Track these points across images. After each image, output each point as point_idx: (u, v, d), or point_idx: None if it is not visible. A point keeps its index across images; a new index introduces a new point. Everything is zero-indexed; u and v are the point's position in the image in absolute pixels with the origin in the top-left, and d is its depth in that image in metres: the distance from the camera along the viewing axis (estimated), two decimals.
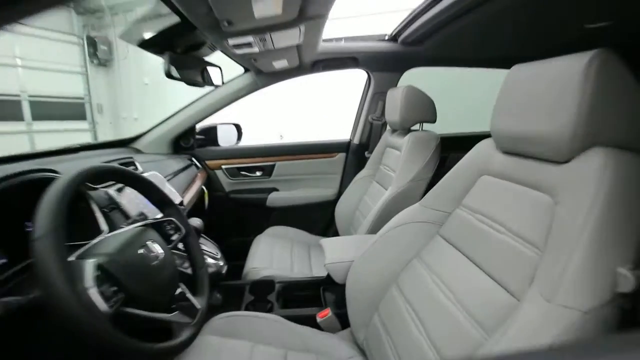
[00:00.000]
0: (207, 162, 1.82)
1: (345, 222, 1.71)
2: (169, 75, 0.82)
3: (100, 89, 6.04)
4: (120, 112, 6.21)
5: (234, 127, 2.02)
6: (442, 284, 0.72)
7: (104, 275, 0.52)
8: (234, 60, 1.36)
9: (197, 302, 0.70)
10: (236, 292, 1.20)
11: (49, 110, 5.10)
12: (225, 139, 1.95)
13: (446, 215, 0.83)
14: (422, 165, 1.29)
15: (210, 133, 1.90)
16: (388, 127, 1.72)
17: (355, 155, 1.86)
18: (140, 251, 0.60)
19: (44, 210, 0.46)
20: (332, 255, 1.07)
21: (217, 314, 0.98)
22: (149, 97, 5.68)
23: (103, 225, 0.78)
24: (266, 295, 1.15)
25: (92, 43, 5.62)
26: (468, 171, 0.81)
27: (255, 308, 1.13)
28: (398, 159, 1.37)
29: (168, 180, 1.25)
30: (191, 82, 0.89)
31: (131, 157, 1.13)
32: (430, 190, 0.89)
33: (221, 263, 1.12)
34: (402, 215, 0.92)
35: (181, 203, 1.16)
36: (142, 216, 0.81)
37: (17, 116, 4.62)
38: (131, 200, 0.94)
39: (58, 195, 0.49)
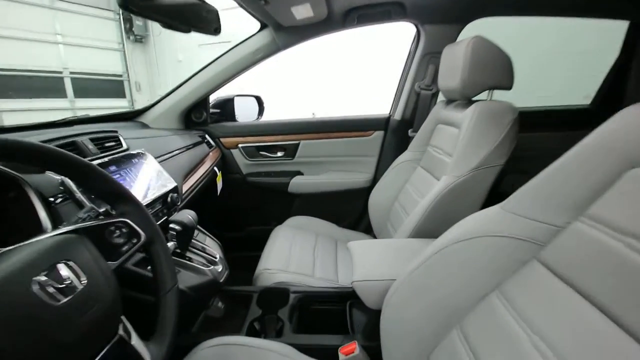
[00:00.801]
0: (222, 140, 1.58)
1: (382, 216, 1.40)
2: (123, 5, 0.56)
3: (137, 66, 6.08)
4: (156, 90, 6.26)
5: (254, 100, 1.75)
6: (542, 341, 0.42)
7: None
8: (242, 7, 1.06)
9: (147, 354, 0.45)
10: (242, 301, 0.97)
11: (89, 87, 5.21)
12: (244, 113, 1.69)
13: (553, 231, 0.50)
14: (492, 147, 0.94)
15: (227, 106, 1.65)
16: (440, 99, 1.35)
17: (395, 134, 1.51)
18: (36, 285, 0.36)
19: None
20: (363, 269, 0.78)
21: (208, 337, 0.75)
22: (183, 75, 5.62)
23: (45, 222, 0.55)
24: (277, 310, 0.91)
25: (127, 19, 5.61)
26: (601, 160, 0.46)
27: (262, 327, 0.89)
28: (455, 139, 1.02)
29: (163, 160, 1.02)
30: (159, 18, 0.63)
31: (115, 131, 0.91)
32: (521, 189, 0.56)
33: (219, 268, 0.89)
34: (472, 223, 0.60)
35: (175, 189, 0.93)
36: (89, 214, 0.57)
37: (60, 93, 4.76)
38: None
39: None
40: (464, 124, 0.99)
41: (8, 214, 0.54)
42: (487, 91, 1.03)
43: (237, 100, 1.65)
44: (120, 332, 0.44)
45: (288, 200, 1.65)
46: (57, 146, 0.70)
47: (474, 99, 1.06)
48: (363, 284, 0.75)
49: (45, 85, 4.62)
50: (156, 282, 0.54)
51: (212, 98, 1.64)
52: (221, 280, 0.86)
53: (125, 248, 0.51)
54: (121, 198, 0.54)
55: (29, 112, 4.38)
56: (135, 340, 0.45)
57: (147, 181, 0.85)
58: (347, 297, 0.96)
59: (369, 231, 1.57)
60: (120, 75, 5.85)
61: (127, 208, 0.54)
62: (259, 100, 1.76)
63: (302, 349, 0.76)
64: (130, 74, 5.99)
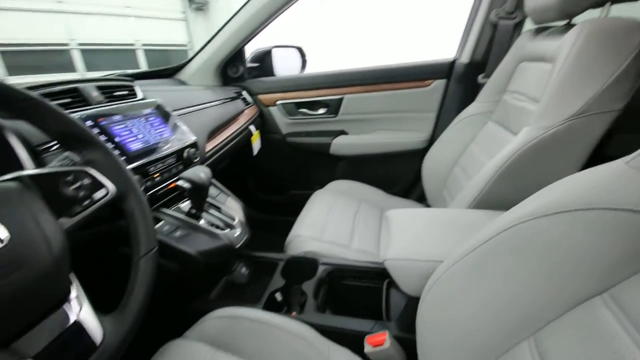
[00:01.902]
0: (260, 97, 1.46)
1: (438, 182, 1.18)
2: None
3: (199, 34, 6.26)
4: None
5: (295, 52, 1.58)
6: None
7: None
8: None
9: (98, 331, 0.36)
10: (268, 267, 0.88)
11: (159, 58, 5.54)
12: (284, 67, 1.54)
13: None
14: (605, 84, 0.64)
15: (265, 60, 1.51)
16: (526, 29, 1.02)
17: (461, 81, 1.22)
18: None
19: None
20: (400, 245, 0.61)
21: (223, 305, 0.68)
22: None
23: (27, 162, 0.49)
24: (302, 282, 0.79)
25: None
26: None
27: (284, 299, 0.79)
28: (546, 78, 0.74)
29: (184, 114, 0.93)
30: None
31: (131, 81, 0.84)
32: None
33: (236, 232, 0.79)
34: (569, 190, 0.38)
35: (194, 145, 0.84)
36: (62, 163, 0.49)
37: (133, 65, 5.15)
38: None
39: None
40: (562, 54, 0.70)
41: None
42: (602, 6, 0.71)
43: (275, 53, 1.50)
44: (66, 302, 0.35)
45: (331, 162, 1.50)
46: (55, 92, 0.64)
47: (575, 21, 0.75)
48: (399, 263, 0.58)
49: (121, 58, 5.03)
50: (130, 243, 0.45)
51: (251, 51, 1.52)
52: (238, 246, 0.76)
53: (86, 203, 0.42)
54: (86, 143, 0.45)
55: None
56: (86, 314, 0.36)
57: (159, 133, 0.77)
58: (386, 275, 0.80)
59: (422, 200, 1.35)
60: (185, 45, 6.10)
61: (93, 156, 0.45)
62: (300, 51, 1.58)
63: (324, 330, 0.64)
64: (194, 43, 6.20)
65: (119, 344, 0.37)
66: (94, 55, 4.73)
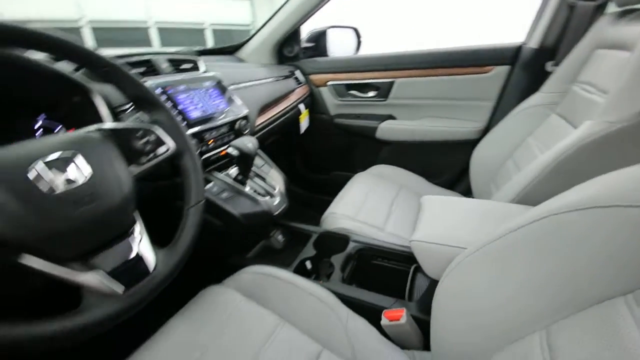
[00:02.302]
0: (312, 77, 1.50)
1: (486, 176, 1.12)
2: None
3: (263, 14, 6.42)
4: None
5: (351, 32, 1.57)
6: None
7: None
8: None
9: (153, 259, 0.44)
10: (302, 238, 0.94)
11: (222, 37, 5.85)
12: (338, 47, 1.54)
13: None
14: None
15: (320, 40, 1.53)
16: (609, 12, 0.90)
17: (527, 69, 1.12)
18: (38, 168, 0.36)
19: None
20: (427, 228, 0.61)
21: (257, 263, 0.75)
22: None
23: (107, 118, 0.59)
24: (332, 255, 0.84)
25: None
26: None
27: (313, 268, 0.84)
28: (621, 68, 0.66)
29: (239, 88, 1.01)
30: None
31: (194, 55, 0.93)
32: None
33: (276, 201, 0.85)
34: (606, 183, 0.36)
35: (245, 117, 0.91)
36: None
37: (201, 43, 5.51)
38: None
39: None
40: None
41: (75, 115, 0.60)
42: None
43: (330, 33, 1.51)
44: (130, 233, 0.44)
45: (376, 146, 1.49)
46: (133, 62, 0.74)
47: None
48: (423, 245, 0.59)
49: (192, 37, 5.41)
50: (183, 195, 0.53)
51: (307, 31, 1.55)
52: (275, 213, 0.83)
53: (151, 156, 0.50)
54: (153, 105, 0.52)
55: None
56: (145, 244, 0.44)
57: (216, 105, 0.85)
58: (414, 260, 0.81)
59: (468, 194, 1.30)
60: (248, 25, 6.31)
61: (159, 117, 0.53)
62: (356, 32, 1.57)
63: (345, 300, 0.68)
64: (257, 23, 6.39)
65: (167, 273, 0.45)
66: (167, 33, 5.15)
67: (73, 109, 0.61)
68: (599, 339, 0.31)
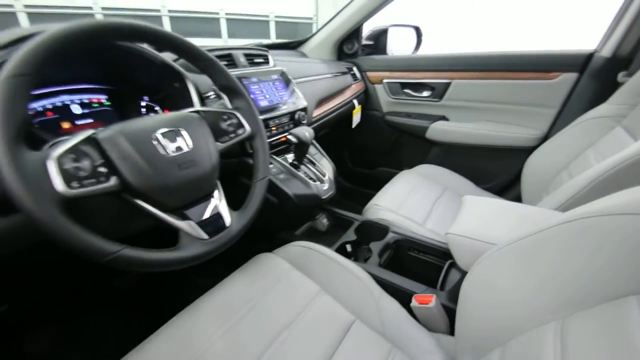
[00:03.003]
0: (369, 74, 1.55)
1: (539, 185, 1.10)
2: None
3: (325, 7, 6.51)
4: None
5: (412, 31, 1.59)
6: None
7: (95, 150, 0.43)
8: None
9: (229, 218, 0.55)
10: (345, 224, 1.02)
11: (284, 29, 6.07)
12: (399, 46, 1.57)
13: None
14: None
15: (380, 38, 1.57)
16: None
17: (596, 77, 1.07)
18: (158, 136, 0.48)
19: (20, 52, 0.39)
20: (464, 223, 0.66)
21: (303, 239, 0.85)
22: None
23: (197, 104, 0.72)
24: (370, 241, 0.91)
25: None
26: None
27: (352, 251, 0.92)
28: None
29: (301, 82, 1.10)
30: None
31: (266, 51, 1.04)
32: None
33: (325, 186, 0.94)
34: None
35: (304, 109, 1.01)
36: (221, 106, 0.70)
37: (265, 34, 5.80)
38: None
39: (39, 40, 0.40)
40: None
41: (172, 98, 0.73)
42: None
43: (391, 32, 1.54)
44: (214, 195, 0.55)
45: (424, 146, 1.51)
46: (218, 55, 0.87)
47: None
48: (457, 238, 0.63)
49: (255, 28, 5.72)
50: (252, 170, 0.64)
51: (368, 29, 1.60)
52: (323, 197, 0.92)
53: (232, 135, 0.61)
54: (237, 94, 0.63)
55: None
56: (223, 205, 0.56)
57: (280, 96, 0.96)
58: (450, 256, 0.85)
59: (517, 201, 1.27)
60: (311, 18, 6.46)
61: (240, 104, 0.64)
62: (417, 31, 1.58)
63: (380, 282, 0.75)
64: (319, 17, 6.51)
65: (239, 230, 0.56)
66: (234, 24, 5.51)
67: (170, 93, 0.75)
68: (608, 334, 0.35)
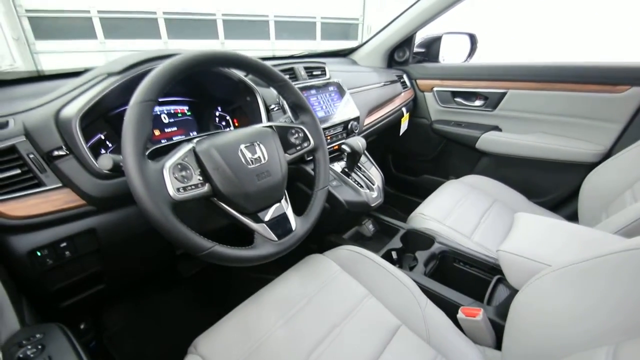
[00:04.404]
0: (419, 82, 1.56)
1: (599, 204, 1.05)
2: None
3: (371, 9, 6.48)
4: None
5: (467, 38, 1.57)
6: None
7: (194, 161, 0.52)
8: None
9: (295, 223, 0.62)
10: (390, 231, 1.06)
11: (329, 30, 6.18)
12: (452, 54, 1.56)
13: None
14: None
15: (433, 46, 1.57)
16: None
17: None
18: (242, 148, 0.56)
19: (146, 81, 0.48)
20: (516, 241, 0.67)
21: (352, 244, 0.90)
22: None
23: (264, 118, 0.81)
24: (416, 250, 0.94)
25: None
26: None
27: (398, 258, 0.95)
28: None
29: (354, 92, 1.15)
30: None
31: (323, 63, 1.10)
32: None
33: (374, 194, 0.99)
34: None
35: (357, 119, 1.06)
36: (285, 119, 0.77)
37: (311, 34, 5.95)
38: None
39: (160, 71, 0.49)
40: None
41: (243, 110, 0.82)
42: None
43: (445, 39, 1.53)
44: (282, 202, 0.63)
45: (473, 156, 1.49)
46: (280, 71, 0.95)
47: None
48: (509, 256, 0.65)
49: (302, 29, 5.87)
50: (313, 179, 0.70)
51: (421, 37, 1.60)
52: (372, 205, 0.96)
53: (298, 148, 0.68)
54: (304, 110, 0.70)
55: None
56: (289, 211, 0.63)
57: (335, 106, 1.01)
58: (498, 271, 0.86)
59: (573, 219, 1.22)
60: (357, 19, 6.46)
61: (306, 119, 0.70)
62: (472, 38, 1.55)
63: (426, 291, 0.78)
64: (365, 17, 6.49)
65: (303, 234, 0.63)
66: (282, 25, 5.72)
67: (241, 105, 0.84)
68: None
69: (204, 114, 0.87)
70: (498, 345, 0.69)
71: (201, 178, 0.52)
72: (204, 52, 0.54)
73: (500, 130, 1.40)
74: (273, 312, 0.68)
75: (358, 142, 0.92)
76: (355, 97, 1.11)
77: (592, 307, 0.45)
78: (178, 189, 0.48)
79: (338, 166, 1.01)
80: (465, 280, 0.90)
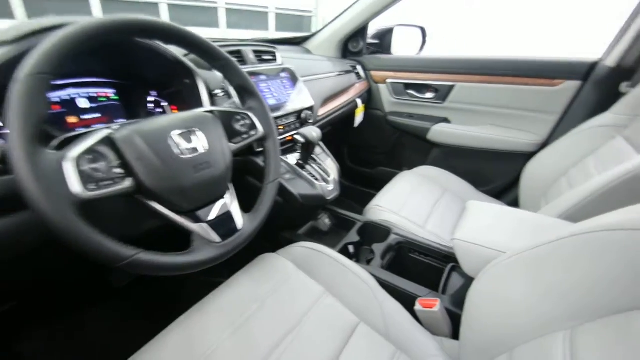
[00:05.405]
0: (373, 73, 1.55)
1: (538, 190, 1.12)
2: None
3: (326, 4, 6.45)
4: None
5: (418, 32, 1.59)
6: None
7: (111, 151, 0.43)
8: None
9: (240, 221, 0.55)
10: (347, 224, 1.03)
11: (283, 21, 6.04)
12: (403, 46, 1.57)
13: None
14: None
15: (386, 38, 1.56)
16: None
17: (599, 86, 1.08)
18: (174, 136, 0.48)
19: (40, 49, 0.38)
20: (469, 230, 0.67)
21: (307, 240, 0.85)
22: None
23: (206, 102, 0.71)
24: (373, 243, 0.92)
25: None
26: None
27: (355, 252, 0.93)
28: None
29: (308, 80, 1.10)
30: None
31: (274, 48, 1.03)
32: None
33: (330, 187, 0.94)
34: None
35: (310, 108, 1.00)
36: (231, 105, 0.69)
37: (263, 25, 5.76)
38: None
39: (60, 37, 0.39)
40: None
41: (182, 95, 0.72)
42: None
43: (397, 31, 1.54)
44: (226, 198, 0.55)
45: (425, 148, 1.52)
46: (228, 52, 0.86)
47: None
48: (464, 244, 0.64)
49: (255, 19, 5.67)
50: (263, 172, 0.63)
51: (374, 28, 1.59)
52: (328, 198, 0.92)
53: (245, 136, 0.61)
54: (251, 94, 0.63)
55: None
56: (235, 208, 0.56)
57: (288, 94, 0.95)
58: (451, 259, 0.86)
59: (514, 205, 1.29)
60: (311, 12, 6.40)
61: (253, 104, 0.63)
62: (423, 32, 1.58)
63: (383, 284, 0.76)
64: (320, 9, 6.45)
65: (251, 232, 0.56)
66: (233, 14, 5.43)
67: (180, 89, 0.74)
68: (620, 345, 0.36)
69: (135, 99, 0.75)
70: (455, 335, 0.68)
71: (121, 171, 0.43)
72: (119, 18, 0.44)
73: (449, 122, 1.45)
74: (220, 320, 0.60)
75: (312, 132, 0.87)
76: (309, 86, 1.06)
77: (546, 293, 0.45)
78: (87, 185, 0.39)
79: (292, 158, 0.95)
80: (421, 271, 0.90)
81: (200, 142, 0.51)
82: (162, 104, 0.78)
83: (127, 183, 0.43)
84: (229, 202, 0.55)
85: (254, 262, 0.77)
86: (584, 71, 1.12)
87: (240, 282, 0.71)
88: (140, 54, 0.69)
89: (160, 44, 0.69)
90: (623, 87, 1.01)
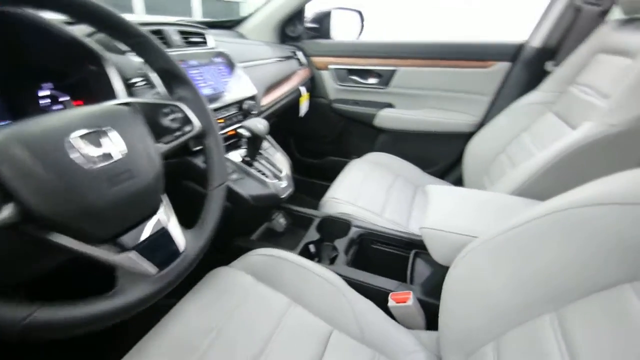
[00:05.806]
0: (314, 59, 1.47)
1: (480, 168, 1.17)
2: None
3: None
4: None
5: (355, 15, 1.55)
6: None
7: None
8: None
9: (182, 241, 0.44)
10: (304, 223, 0.95)
11: (210, 8, 5.60)
12: (342, 31, 1.52)
13: None
14: None
15: (324, 22, 1.50)
16: (613, 18, 0.94)
17: (527, 67, 1.16)
18: (73, 139, 0.35)
19: None
20: (436, 216, 0.64)
21: (264, 246, 0.76)
22: None
23: (121, 94, 0.57)
24: (334, 239, 0.86)
25: None
26: None
27: (317, 251, 0.86)
28: (622, 75, 0.70)
29: (246, 67, 0.98)
30: None
31: (203, 28, 0.89)
32: None
33: (283, 184, 0.86)
34: (625, 182, 0.39)
35: (253, 97, 0.89)
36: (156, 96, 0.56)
37: (186, 11, 5.27)
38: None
39: None
40: None
41: (86, 85, 0.57)
42: None
43: (335, 15, 1.48)
44: (159, 213, 0.43)
45: (372, 134, 1.51)
46: None
47: None
48: (433, 232, 0.62)
49: (176, 3, 5.15)
50: (206, 176, 0.52)
51: (312, 12, 1.51)
52: (282, 196, 0.84)
53: (177, 134, 0.49)
54: (180, 81, 0.51)
55: None
56: (173, 225, 0.44)
57: (225, 82, 0.83)
58: (413, 246, 0.85)
59: (458, 183, 1.35)
60: None
61: (185, 94, 0.51)
62: (360, 15, 1.54)
63: (352, 283, 0.71)
64: None
65: (197, 254, 0.45)
66: None
67: (84, 79, 0.58)
68: (610, 320, 0.35)
69: (22, 95, 0.57)
70: (429, 326, 0.67)
71: None
72: None
73: (393, 106, 1.45)
74: None
75: (258, 124, 0.77)
76: (248, 73, 0.94)
77: (527, 276, 0.43)
78: None
79: (236, 155, 0.84)
80: (386, 261, 0.88)
81: (114, 145, 0.38)
82: (60, 99, 0.60)
83: (6, 212, 0.30)
84: (165, 219, 0.43)
85: (204, 280, 0.66)
86: (512, 52, 1.19)
87: (188, 309, 0.59)
88: (25, 36, 0.52)
89: (52, 22, 0.52)
90: (549, 66, 1.09)
